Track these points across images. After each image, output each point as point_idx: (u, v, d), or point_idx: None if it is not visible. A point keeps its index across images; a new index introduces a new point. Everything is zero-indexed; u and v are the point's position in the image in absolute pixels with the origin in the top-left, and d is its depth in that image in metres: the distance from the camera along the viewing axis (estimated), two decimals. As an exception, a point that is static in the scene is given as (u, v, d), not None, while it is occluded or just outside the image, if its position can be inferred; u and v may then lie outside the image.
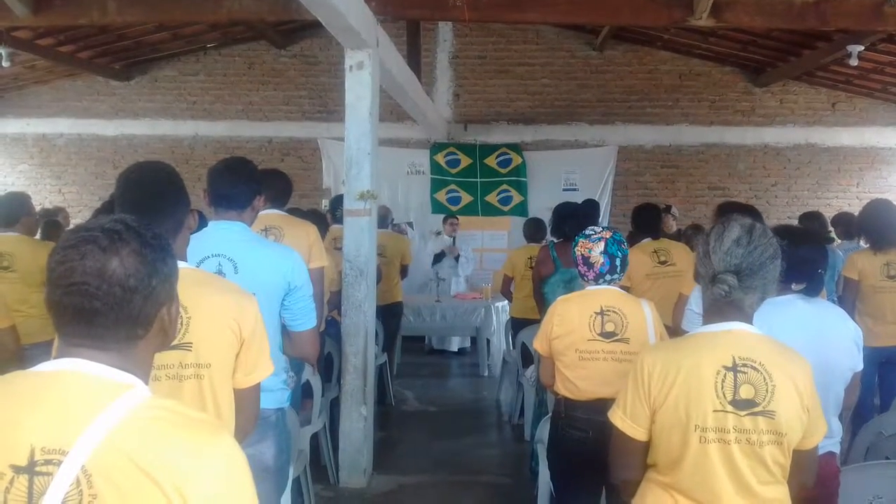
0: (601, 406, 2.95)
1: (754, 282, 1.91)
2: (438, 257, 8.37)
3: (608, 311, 2.97)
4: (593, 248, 3.01)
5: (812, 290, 2.54)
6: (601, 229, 3.11)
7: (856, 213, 5.57)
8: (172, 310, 1.32)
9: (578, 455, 2.96)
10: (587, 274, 3.05)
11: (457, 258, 8.38)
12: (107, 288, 1.19)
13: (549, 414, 3.87)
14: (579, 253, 3.06)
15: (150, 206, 1.97)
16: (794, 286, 2.49)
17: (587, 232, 3.11)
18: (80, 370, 1.19)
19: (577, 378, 2.96)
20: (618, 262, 3.02)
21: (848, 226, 6.23)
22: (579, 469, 2.98)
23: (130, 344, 1.24)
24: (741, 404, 1.85)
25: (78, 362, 1.20)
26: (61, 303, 1.20)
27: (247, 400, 2.07)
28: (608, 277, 3.03)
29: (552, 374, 3.10)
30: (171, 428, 1.15)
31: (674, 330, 3.48)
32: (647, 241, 4.91)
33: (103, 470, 1.09)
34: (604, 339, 2.94)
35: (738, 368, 1.86)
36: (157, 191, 2.03)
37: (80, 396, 1.15)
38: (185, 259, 2.11)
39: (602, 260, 3.00)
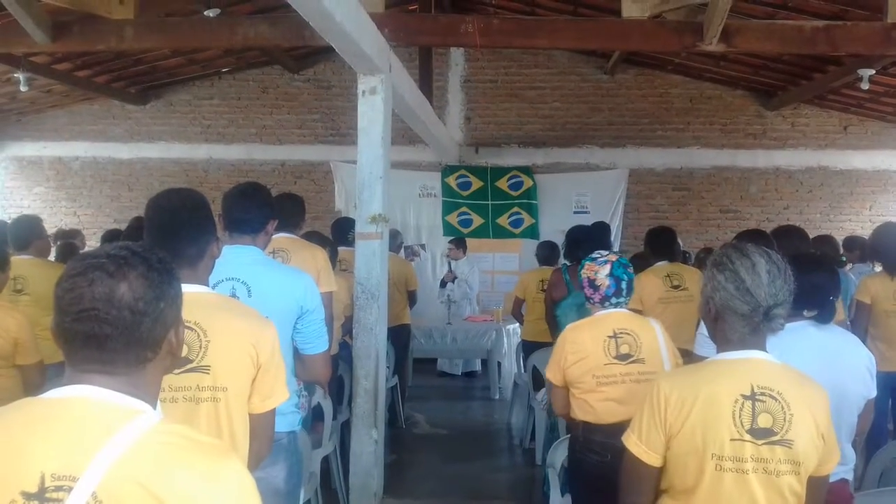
0: (619, 429, 2.92)
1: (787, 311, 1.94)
2: (443, 283, 8.39)
3: (621, 333, 2.98)
4: (599, 270, 3.05)
5: (824, 317, 2.53)
6: (607, 252, 3.15)
7: (867, 237, 5.53)
8: (179, 332, 1.33)
9: (597, 479, 2.94)
10: (593, 296, 3.08)
11: (453, 281, 8.30)
12: (116, 313, 1.20)
13: (561, 438, 3.86)
14: (585, 276, 3.10)
15: (175, 231, 2.02)
16: (805, 313, 2.49)
17: (593, 255, 3.15)
18: (90, 396, 1.20)
19: (596, 401, 2.95)
20: (623, 284, 3.04)
21: (862, 249, 6.19)
22: (598, 493, 2.96)
23: (139, 368, 1.25)
24: (759, 433, 1.84)
25: (87, 388, 1.21)
26: (71, 329, 1.21)
27: (262, 425, 2.07)
28: (614, 300, 3.05)
29: (564, 403, 3.10)
30: (182, 453, 1.16)
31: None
32: (662, 263, 4.87)
33: (114, 495, 1.10)
34: (620, 361, 2.94)
35: (757, 397, 1.85)
36: (183, 217, 2.07)
37: (89, 422, 1.16)
38: (207, 285, 2.14)
39: (608, 283, 3.02)
